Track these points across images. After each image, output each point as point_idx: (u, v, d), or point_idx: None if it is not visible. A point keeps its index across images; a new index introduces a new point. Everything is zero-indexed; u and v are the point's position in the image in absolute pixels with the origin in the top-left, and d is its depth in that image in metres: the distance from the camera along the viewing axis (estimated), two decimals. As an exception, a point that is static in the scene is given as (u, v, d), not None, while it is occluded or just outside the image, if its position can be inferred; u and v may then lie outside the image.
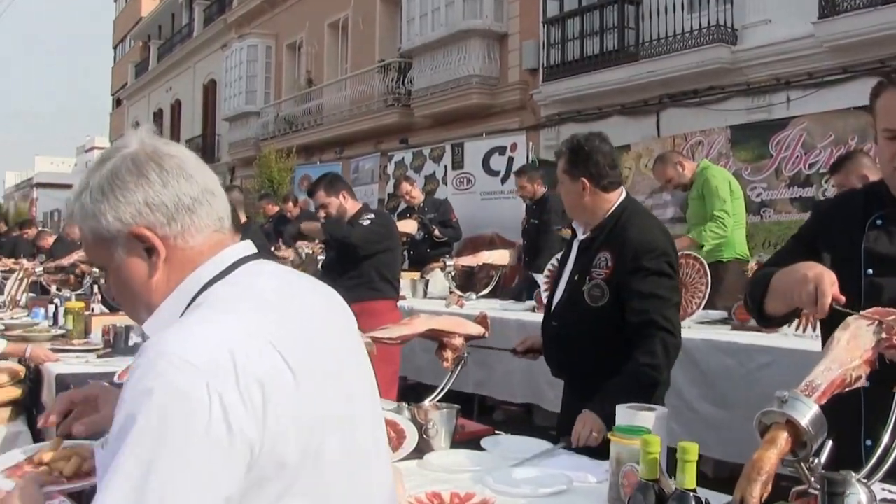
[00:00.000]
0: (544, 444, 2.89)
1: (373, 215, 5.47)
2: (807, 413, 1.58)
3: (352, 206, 5.51)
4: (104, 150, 1.63)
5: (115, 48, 50.65)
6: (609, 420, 2.51)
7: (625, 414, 2.41)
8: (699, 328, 5.20)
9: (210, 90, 32.95)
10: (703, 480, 1.73)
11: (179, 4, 37.78)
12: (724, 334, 4.98)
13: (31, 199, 58.67)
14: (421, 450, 2.78)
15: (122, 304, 1.63)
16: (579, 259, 3.41)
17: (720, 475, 4.60)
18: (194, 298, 1.48)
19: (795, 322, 4.41)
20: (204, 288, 1.49)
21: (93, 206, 1.51)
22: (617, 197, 3.38)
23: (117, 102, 48.18)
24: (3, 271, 10.13)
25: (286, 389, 1.31)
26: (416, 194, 9.91)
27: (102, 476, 1.24)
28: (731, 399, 4.55)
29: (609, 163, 3.34)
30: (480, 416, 6.67)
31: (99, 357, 5.03)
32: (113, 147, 1.60)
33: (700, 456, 4.34)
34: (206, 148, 32.05)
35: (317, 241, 9.30)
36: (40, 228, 17.02)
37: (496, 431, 3.15)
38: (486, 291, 7.78)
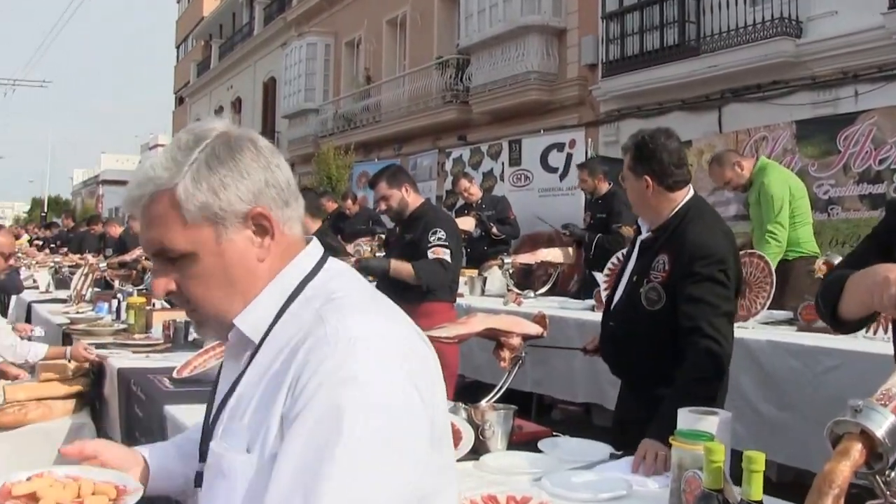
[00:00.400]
0: (604, 449, 2.82)
1: (442, 234, 5.05)
2: (883, 423, 1.49)
3: (413, 201, 5.27)
4: (188, 129, 1.52)
5: (177, 48, 51.43)
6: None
7: (687, 418, 2.34)
8: (763, 329, 5.05)
9: (270, 88, 33.31)
10: (765, 484, 1.66)
11: (240, 4, 38.19)
12: (790, 335, 4.82)
13: (97, 196, 59.86)
14: (477, 451, 2.75)
15: (209, 294, 1.47)
16: (640, 259, 3.33)
17: (784, 479, 4.48)
18: (297, 291, 1.47)
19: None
20: (306, 281, 1.48)
21: (205, 182, 1.42)
22: (683, 196, 3.26)
23: (180, 101, 48.91)
24: (70, 266, 10.33)
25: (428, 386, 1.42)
26: (475, 191, 9.84)
27: (300, 474, 1.26)
28: (797, 402, 4.41)
29: (675, 161, 3.22)
30: (538, 415, 6.60)
31: (158, 352, 5.08)
32: (198, 127, 1.51)
33: (764, 460, 4.21)
34: (266, 145, 32.29)
35: (375, 239, 9.34)
36: (108, 217, 17.42)
37: (554, 433, 3.09)
38: (544, 289, 7.69)
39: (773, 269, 5.19)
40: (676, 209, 3.24)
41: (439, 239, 5.01)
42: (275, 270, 1.48)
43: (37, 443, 4.89)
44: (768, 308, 5.09)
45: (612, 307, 3.45)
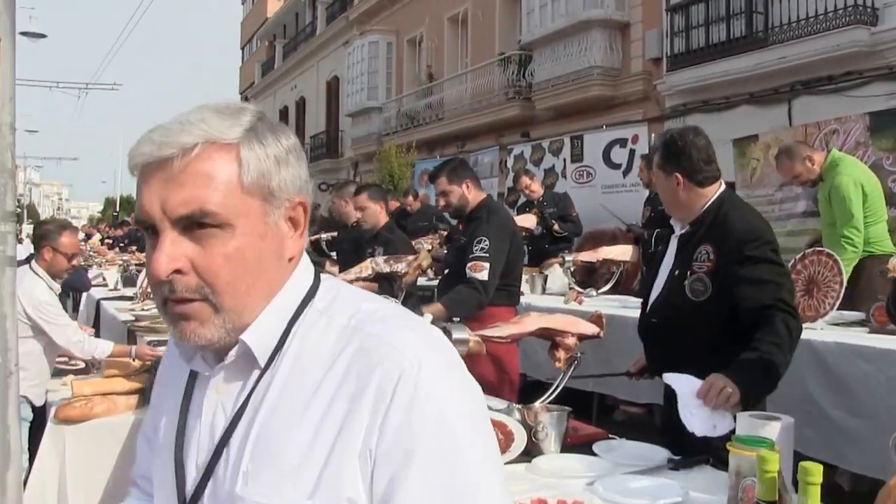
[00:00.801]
0: (662, 453, 2.73)
1: (486, 243, 4.80)
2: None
3: (474, 197, 5.05)
4: (215, 104, 1.31)
5: (242, 48, 52.10)
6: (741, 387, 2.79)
7: (747, 423, 2.25)
8: (832, 330, 4.84)
9: (333, 87, 33.54)
10: (838, 494, 1.56)
11: (303, 4, 38.56)
12: (861, 338, 4.58)
13: (166, 196, 60.81)
14: (529, 453, 2.70)
15: (235, 279, 1.23)
16: (679, 254, 3.35)
17: (858, 489, 4.28)
18: (304, 303, 1.30)
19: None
20: (312, 293, 1.32)
21: (272, 149, 1.26)
22: (714, 192, 3.31)
23: (245, 101, 49.28)
24: (137, 265, 10.51)
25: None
26: (536, 188, 9.74)
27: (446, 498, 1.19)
28: (870, 408, 4.18)
29: (704, 157, 3.29)
30: (600, 416, 6.46)
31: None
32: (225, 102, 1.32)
33: (835, 468, 4.08)
34: (329, 144, 32.74)
35: (437, 236, 9.27)
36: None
37: (610, 435, 3.01)
38: (606, 288, 7.54)
39: (847, 273, 5.00)
40: (708, 204, 3.29)
41: (482, 250, 4.76)
42: (290, 271, 1.32)
43: (102, 437, 4.98)
44: (838, 308, 4.90)
45: (649, 305, 3.47)
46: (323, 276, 1.37)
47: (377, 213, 5.95)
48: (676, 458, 2.67)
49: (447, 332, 2.92)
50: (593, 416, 6.30)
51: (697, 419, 2.84)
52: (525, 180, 9.76)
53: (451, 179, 5.02)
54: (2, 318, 3.91)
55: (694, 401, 2.88)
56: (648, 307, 3.46)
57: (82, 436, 4.95)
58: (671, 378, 3.01)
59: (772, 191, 9.60)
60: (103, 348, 5.30)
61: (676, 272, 3.30)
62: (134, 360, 5.10)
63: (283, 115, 39.79)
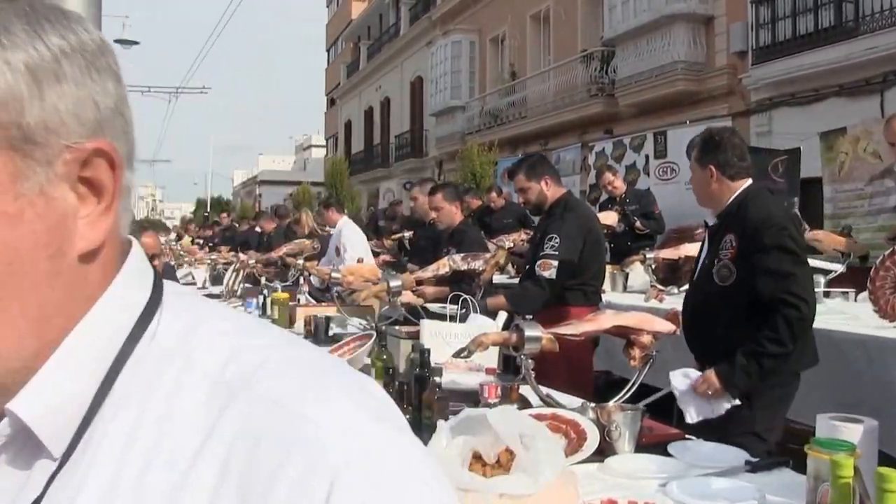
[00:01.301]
0: (739, 455, 2.66)
1: (556, 240, 4.76)
2: None
3: (553, 194, 4.99)
4: None
5: (328, 50, 52.65)
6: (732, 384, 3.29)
7: (826, 425, 2.18)
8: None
9: (417, 87, 33.75)
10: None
11: (387, 5, 38.82)
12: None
13: (255, 196, 62.03)
14: (602, 452, 2.64)
15: None
16: (710, 245, 3.70)
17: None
18: (146, 320, 0.75)
19: None
20: (154, 307, 0.76)
21: (22, 52, 0.68)
22: (741, 186, 3.61)
23: (331, 102, 50.10)
24: (224, 263, 10.71)
25: None
26: (619, 185, 9.60)
27: None
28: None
29: (738, 154, 3.60)
30: (680, 416, 6.31)
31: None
32: None
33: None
34: (413, 143, 32.94)
35: (520, 234, 9.23)
36: (261, 210, 18.14)
37: (686, 436, 2.95)
38: (688, 286, 7.43)
39: None
40: (735, 196, 3.60)
41: (552, 248, 4.73)
42: (100, 290, 0.74)
43: None
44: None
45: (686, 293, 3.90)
46: (170, 287, 0.79)
47: (452, 213, 5.95)
48: (754, 460, 2.60)
49: (519, 330, 2.90)
50: (673, 415, 6.18)
51: (693, 408, 3.38)
52: (608, 176, 9.64)
53: (529, 176, 4.99)
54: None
55: (690, 394, 3.38)
56: (686, 295, 3.88)
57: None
58: (673, 375, 3.42)
59: (861, 185, 9.33)
60: None
61: (706, 261, 3.66)
62: None
63: (369, 115, 40.29)
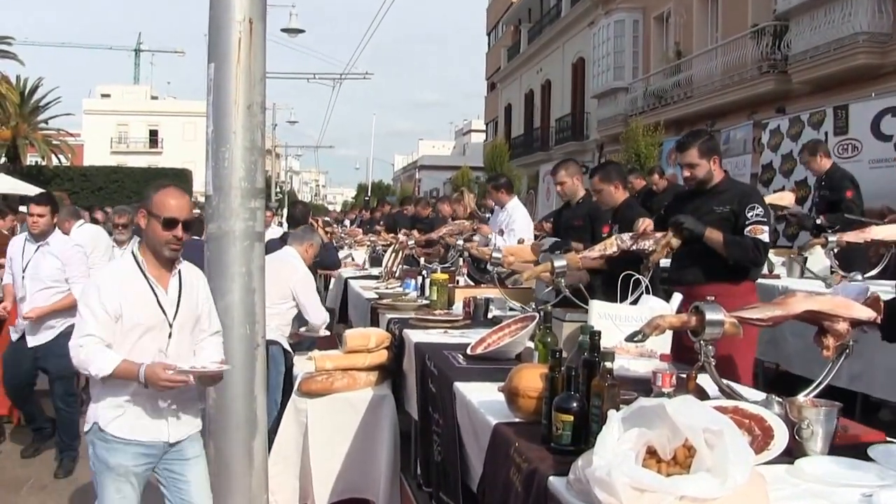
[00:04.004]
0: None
1: (760, 210, 4.73)
2: None
3: (718, 174, 4.91)
4: None
5: (488, 35, 52.76)
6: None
7: None
8: None
9: (579, 69, 33.55)
10: None
11: (548, -14, 38.54)
12: None
13: (415, 180, 62.96)
14: (791, 453, 2.38)
15: None
16: None
17: None
18: None
19: None
20: None
21: None
22: None
23: (491, 86, 50.25)
24: (383, 245, 10.83)
25: None
26: (820, 164, 8.70)
27: None
28: None
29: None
30: (863, 414, 5.79)
31: (456, 328, 5.08)
32: None
33: None
34: (574, 126, 32.70)
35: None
36: (419, 197, 18.34)
37: (888, 438, 2.61)
38: (875, 272, 6.86)
39: None
40: None
41: (757, 216, 4.66)
42: None
43: (342, 410, 5.16)
44: None
45: None
46: None
47: (612, 193, 5.75)
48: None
49: (699, 312, 2.64)
50: (856, 413, 5.68)
51: None
52: (805, 155, 8.71)
53: (702, 153, 4.87)
54: (251, 293, 4.04)
55: None
56: None
57: (323, 409, 5.14)
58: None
59: None
60: None
61: None
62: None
63: (529, 98, 40.30)
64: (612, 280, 4.11)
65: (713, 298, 2.75)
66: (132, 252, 3.67)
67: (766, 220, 4.69)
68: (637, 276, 3.82)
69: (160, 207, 3.50)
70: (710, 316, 2.62)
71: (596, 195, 5.98)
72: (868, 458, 2.35)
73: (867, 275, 6.85)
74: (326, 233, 11.97)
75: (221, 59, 3.86)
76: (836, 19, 16.12)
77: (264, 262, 4.10)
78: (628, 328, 2.83)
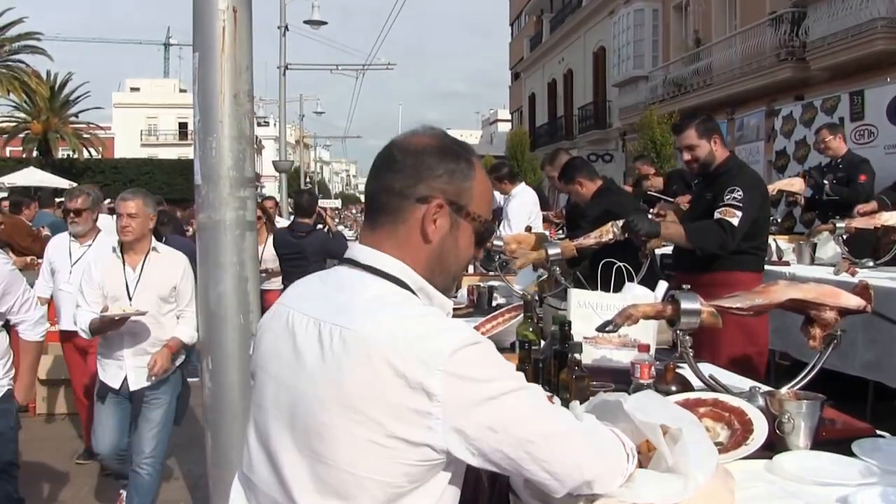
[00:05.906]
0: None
1: (739, 193, 4.48)
2: None
3: (720, 155, 4.72)
4: None
5: (511, 25, 52.67)
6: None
7: None
8: None
9: (599, 58, 33.55)
10: None
11: (570, -24, 38.43)
12: None
13: (443, 172, 63.09)
14: (772, 448, 2.23)
15: None
16: None
17: None
18: None
19: None
20: None
21: None
22: None
23: (515, 76, 50.23)
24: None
25: None
26: (836, 145, 8.30)
27: None
28: None
29: None
30: (877, 407, 5.61)
31: (459, 316, 5.03)
32: None
33: None
34: (597, 114, 32.74)
35: (687, 197, 8.63)
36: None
37: (879, 432, 2.44)
38: (886, 258, 6.74)
39: None
40: None
41: (734, 199, 4.41)
42: None
43: None
44: None
45: None
46: None
47: (579, 192, 5.76)
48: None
49: (674, 301, 2.55)
50: (868, 403, 5.57)
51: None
52: (824, 133, 8.43)
53: (700, 133, 4.69)
54: (243, 282, 4.01)
55: None
56: None
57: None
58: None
59: None
60: None
61: None
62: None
63: (552, 88, 40.41)
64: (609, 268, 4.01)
65: (689, 287, 2.65)
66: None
67: (741, 204, 4.42)
68: (620, 264, 3.71)
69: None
70: (686, 305, 2.52)
71: (573, 196, 6.00)
72: (853, 454, 2.19)
73: (878, 261, 6.74)
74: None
75: (206, 49, 3.80)
76: (854, 5, 16.03)
77: (257, 251, 4.08)
78: (608, 317, 2.74)
